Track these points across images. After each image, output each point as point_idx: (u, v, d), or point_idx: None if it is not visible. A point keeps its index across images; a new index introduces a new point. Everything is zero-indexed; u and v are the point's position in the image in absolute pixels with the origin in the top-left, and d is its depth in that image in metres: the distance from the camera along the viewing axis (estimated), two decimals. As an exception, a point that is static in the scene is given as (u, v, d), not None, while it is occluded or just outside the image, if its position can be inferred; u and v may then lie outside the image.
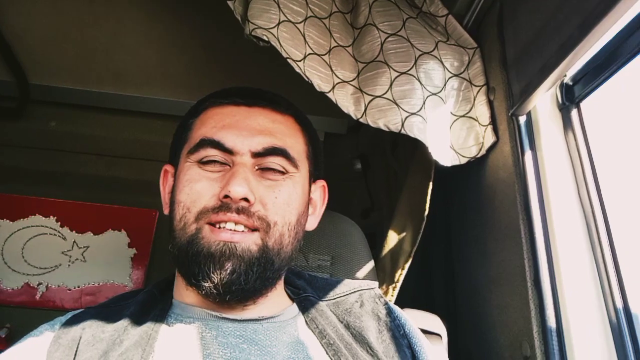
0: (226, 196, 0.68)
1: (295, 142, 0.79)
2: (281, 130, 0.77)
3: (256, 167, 0.73)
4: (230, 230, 0.68)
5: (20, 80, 1.69)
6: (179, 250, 0.70)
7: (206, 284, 0.66)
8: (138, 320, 0.69)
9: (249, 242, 0.68)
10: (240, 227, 0.68)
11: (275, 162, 0.74)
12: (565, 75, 0.96)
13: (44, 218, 1.79)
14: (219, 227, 0.68)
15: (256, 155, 0.73)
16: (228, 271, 0.66)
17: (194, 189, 0.71)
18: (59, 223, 1.79)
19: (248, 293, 0.69)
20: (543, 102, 0.99)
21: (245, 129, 0.74)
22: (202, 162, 0.73)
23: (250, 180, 0.70)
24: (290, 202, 0.74)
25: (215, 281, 0.66)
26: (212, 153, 0.73)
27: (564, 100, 0.98)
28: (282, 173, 0.74)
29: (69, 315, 0.73)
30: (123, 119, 1.88)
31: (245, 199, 0.68)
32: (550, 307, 0.88)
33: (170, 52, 1.62)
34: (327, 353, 0.70)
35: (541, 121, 0.99)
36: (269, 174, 0.74)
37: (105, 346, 0.65)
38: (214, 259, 0.66)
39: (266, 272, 0.70)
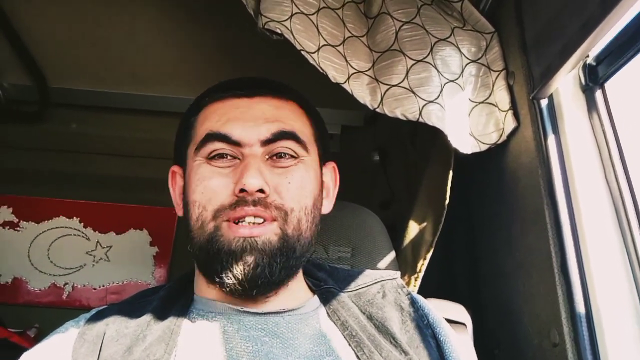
0: (241, 190, 0.67)
1: (302, 125, 0.78)
2: (286, 115, 0.76)
3: (266, 156, 0.72)
4: (249, 224, 0.67)
5: (40, 84, 1.72)
6: (199, 249, 0.70)
7: (230, 281, 0.66)
8: (160, 316, 0.70)
9: (269, 234, 0.68)
10: (260, 220, 0.68)
11: (286, 146, 0.73)
12: (588, 56, 0.93)
13: (67, 219, 1.82)
14: (237, 223, 0.68)
15: (265, 143, 0.72)
16: (251, 266, 0.66)
17: (207, 187, 0.70)
18: (82, 224, 1.83)
19: (274, 285, 0.69)
20: (565, 84, 0.97)
21: (251, 119, 0.73)
22: (211, 158, 0.72)
23: (263, 171, 0.69)
24: (304, 186, 0.73)
25: (240, 277, 0.66)
26: (219, 146, 0.72)
27: (587, 82, 0.95)
28: (293, 158, 0.74)
29: (92, 311, 0.73)
30: (142, 119, 1.89)
31: (261, 190, 0.68)
32: (579, 293, 0.86)
33: (185, 50, 1.62)
34: (349, 345, 0.69)
35: (564, 104, 0.96)
36: (280, 161, 0.73)
37: (129, 341, 0.66)
38: (236, 255, 0.66)
39: (289, 261, 0.69)
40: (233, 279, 0.66)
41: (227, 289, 0.67)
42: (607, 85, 0.93)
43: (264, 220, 0.68)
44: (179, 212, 0.79)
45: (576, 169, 0.92)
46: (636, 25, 0.80)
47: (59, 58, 1.66)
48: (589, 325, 0.83)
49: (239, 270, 0.66)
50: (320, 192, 0.79)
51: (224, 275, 0.66)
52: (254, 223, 0.68)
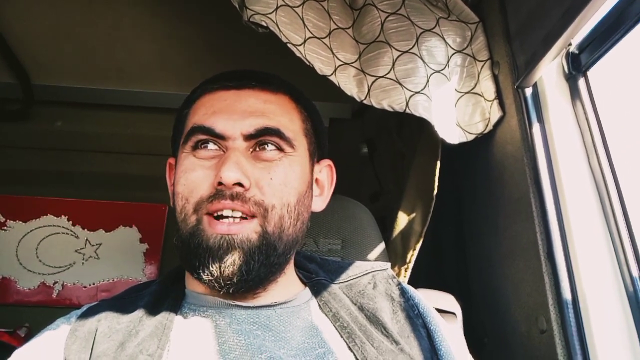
0: (220, 183, 0.66)
1: (289, 120, 0.76)
2: (273, 110, 0.75)
3: (250, 150, 0.72)
4: (227, 221, 0.66)
5: (24, 82, 1.70)
6: (182, 242, 0.69)
7: (206, 277, 0.66)
8: (152, 311, 0.70)
9: (248, 231, 0.67)
10: (237, 214, 0.67)
11: (269, 142, 0.72)
12: (571, 44, 0.94)
13: (55, 218, 1.80)
14: (217, 219, 0.67)
15: (248, 137, 0.71)
16: (227, 264, 0.65)
17: (189, 179, 0.70)
18: (71, 222, 1.81)
19: (253, 283, 0.68)
20: (549, 72, 0.98)
21: (236, 112, 0.72)
22: (196, 149, 0.72)
23: (242, 164, 0.68)
24: (287, 182, 0.71)
25: (216, 274, 0.65)
26: (203, 138, 0.72)
27: (570, 70, 0.96)
28: (278, 152, 0.72)
29: (84, 308, 0.73)
30: (128, 115, 1.88)
31: (239, 184, 0.67)
32: (565, 280, 0.87)
33: (171, 45, 1.61)
34: (341, 336, 0.70)
35: (548, 92, 0.97)
36: (264, 156, 0.71)
37: (122, 337, 0.66)
38: (213, 252, 0.65)
39: (270, 258, 0.68)
40: (210, 275, 0.65)
41: (205, 284, 0.67)
42: (589, 73, 0.94)
43: (243, 216, 0.67)
44: (172, 203, 0.79)
45: (561, 157, 0.93)
46: (617, 13, 0.81)
47: (43, 55, 1.64)
48: (575, 312, 0.85)
49: (214, 267, 0.65)
50: (309, 189, 0.77)
51: (200, 271, 0.66)
52: (232, 217, 0.67)
